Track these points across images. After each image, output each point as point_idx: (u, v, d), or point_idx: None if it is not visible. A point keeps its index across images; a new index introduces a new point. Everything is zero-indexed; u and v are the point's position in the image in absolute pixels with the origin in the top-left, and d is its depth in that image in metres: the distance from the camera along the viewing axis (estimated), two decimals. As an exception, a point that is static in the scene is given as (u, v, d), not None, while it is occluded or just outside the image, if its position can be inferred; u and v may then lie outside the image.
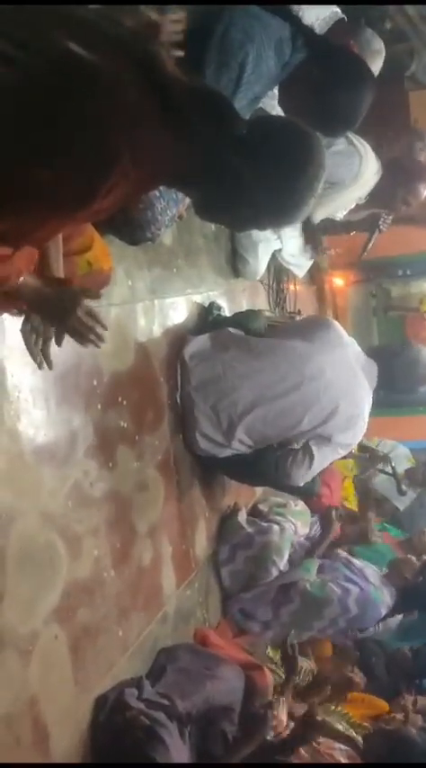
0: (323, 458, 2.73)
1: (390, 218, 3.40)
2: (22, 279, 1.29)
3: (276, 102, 2.15)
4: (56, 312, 1.38)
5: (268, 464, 2.71)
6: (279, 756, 2.12)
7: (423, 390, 3.00)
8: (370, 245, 3.76)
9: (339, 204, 3.30)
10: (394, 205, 3.37)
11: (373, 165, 3.18)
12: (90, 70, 1.01)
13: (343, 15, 2.68)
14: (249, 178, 1.22)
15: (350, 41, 2.58)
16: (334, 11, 2.66)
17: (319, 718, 2.23)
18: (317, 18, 2.50)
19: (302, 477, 2.73)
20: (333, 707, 2.76)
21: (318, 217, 3.32)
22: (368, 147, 3.13)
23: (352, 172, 3.11)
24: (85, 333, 1.40)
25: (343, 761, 2.23)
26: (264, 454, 2.71)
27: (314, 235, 3.53)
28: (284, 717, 2.29)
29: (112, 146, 1.02)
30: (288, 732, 2.22)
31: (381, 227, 3.39)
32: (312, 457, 2.67)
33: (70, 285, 1.39)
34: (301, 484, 2.76)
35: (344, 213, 3.43)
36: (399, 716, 2.70)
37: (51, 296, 1.35)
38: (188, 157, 1.18)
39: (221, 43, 1.76)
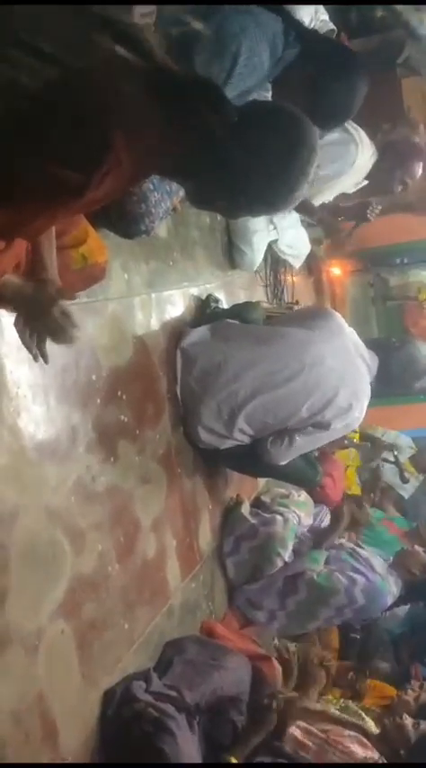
0: (314, 440, 2.71)
1: (378, 207, 3.39)
2: (4, 278, 1.30)
3: (269, 96, 2.14)
4: (34, 311, 1.41)
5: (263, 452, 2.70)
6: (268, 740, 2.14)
7: (418, 386, 3.00)
8: (354, 230, 3.76)
9: (336, 190, 3.29)
10: (392, 187, 3.36)
11: (368, 149, 3.18)
12: (80, 57, 1.00)
13: (334, 28, 2.69)
14: (241, 164, 1.22)
15: (342, 36, 2.60)
16: (324, 20, 2.67)
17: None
18: (309, 24, 2.50)
19: (282, 455, 2.70)
20: (328, 696, 2.78)
21: (316, 202, 3.30)
22: (363, 132, 3.13)
23: (350, 159, 3.11)
24: (59, 332, 1.43)
25: (353, 747, 2.23)
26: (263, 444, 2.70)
27: (323, 218, 3.50)
28: None
29: (104, 133, 1.02)
30: None
31: (369, 215, 3.38)
32: (292, 436, 2.65)
33: (48, 285, 1.41)
34: (282, 462, 2.73)
35: (333, 197, 3.40)
36: (407, 696, 2.70)
37: (30, 296, 1.38)
38: (179, 145, 1.17)
39: (215, 35, 1.77)
